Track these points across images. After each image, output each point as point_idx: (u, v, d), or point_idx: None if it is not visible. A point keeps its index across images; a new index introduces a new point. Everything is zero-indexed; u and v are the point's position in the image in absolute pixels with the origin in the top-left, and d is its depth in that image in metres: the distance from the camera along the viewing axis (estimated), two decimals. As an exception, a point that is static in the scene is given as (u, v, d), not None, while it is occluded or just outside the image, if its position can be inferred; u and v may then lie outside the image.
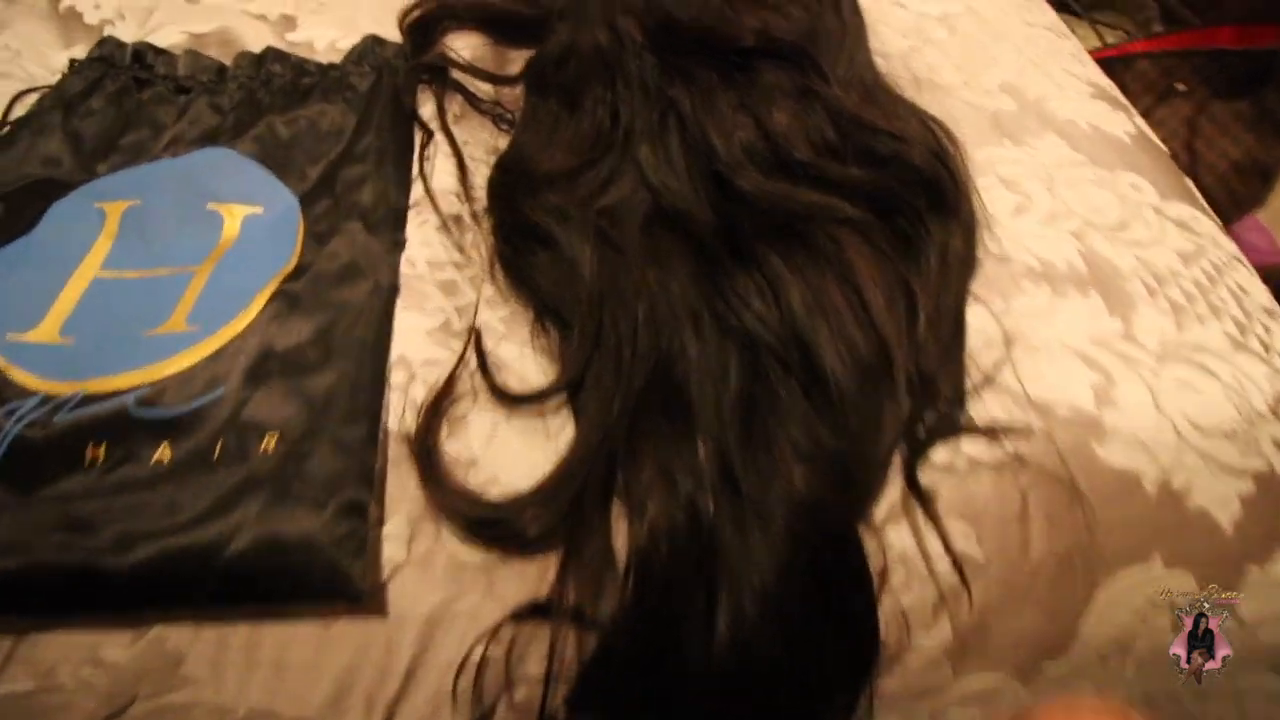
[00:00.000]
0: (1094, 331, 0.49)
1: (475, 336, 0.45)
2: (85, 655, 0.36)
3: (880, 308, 0.45)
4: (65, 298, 0.46)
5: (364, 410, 0.42)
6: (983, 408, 0.45)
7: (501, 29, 0.64)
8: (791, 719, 0.39)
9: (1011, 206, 0.56)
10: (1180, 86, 1.02)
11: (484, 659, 0.37)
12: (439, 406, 0.43)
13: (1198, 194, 0.63)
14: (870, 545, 0.41)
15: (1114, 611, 0.42)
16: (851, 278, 0.46)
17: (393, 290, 0.46)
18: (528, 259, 0.48)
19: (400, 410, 0.43)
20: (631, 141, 0.53)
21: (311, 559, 0.38)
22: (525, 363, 0.46)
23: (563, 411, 0.44)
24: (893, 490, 0.42)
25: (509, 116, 0.59)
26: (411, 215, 0.51)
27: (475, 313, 0.46)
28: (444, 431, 0.43)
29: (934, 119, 0.55)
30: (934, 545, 0.41)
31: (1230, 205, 0.98)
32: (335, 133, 0.55)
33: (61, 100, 0.56)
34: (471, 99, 0.59)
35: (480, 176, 0.54)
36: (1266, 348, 0.51)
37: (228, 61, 0.60)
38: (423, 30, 0.62)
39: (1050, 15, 0.81)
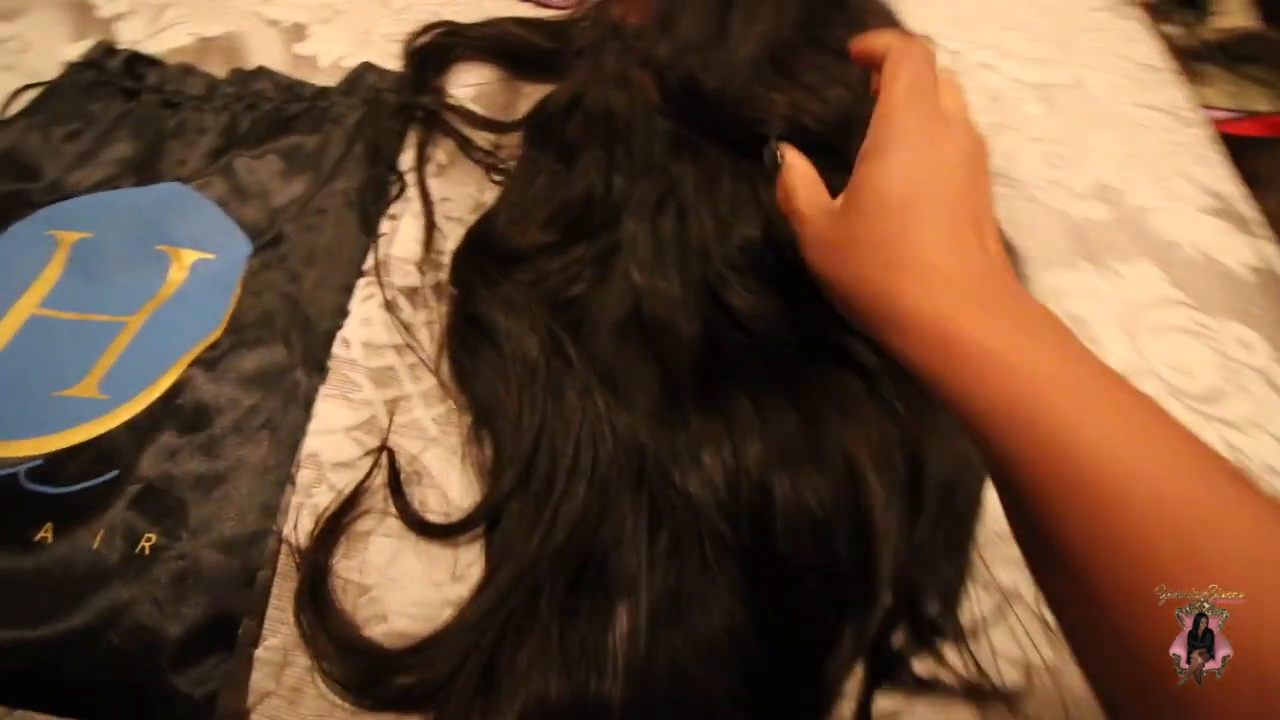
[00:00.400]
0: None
1: (389, 456, 0.40)
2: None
3: (871, 481, 0.37)
4: (-2, 334, 0.44)
5: (258, 514, 0.39)
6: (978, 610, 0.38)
7: (516, 62, 0.58)
8: None
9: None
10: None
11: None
12: (338, 523, 0.39)
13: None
14: None
15: None
16: (839, 435, 0.38)
17: (316, 379, 0.42)
18: (471, 354, 0.43)
19: (297, 518, 0.39)
20: (622, 221, 0.47)
21: (158, 680, 0.35)
22: (450, 476, 0.42)
23: (477, 545, 0.40)
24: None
25: (503, 166, 0.54)
26: (359, 284, 0.46)
27: (389, 424, 0.42)
28: (340, 550, 0.39)
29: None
30: None
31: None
32: (308, 170, 0.50)
33: (48, 106, 0.54)
34: (464, 144, 0.54)
35: (454, 240, 0.49)
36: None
37: (227, 69, 0.57)
38: (429, 59, 0.57)
39: (1177, 93, 0.67)
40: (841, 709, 0.36)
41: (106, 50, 0.56)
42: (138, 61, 0.56)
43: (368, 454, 0.40)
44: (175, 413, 0.40)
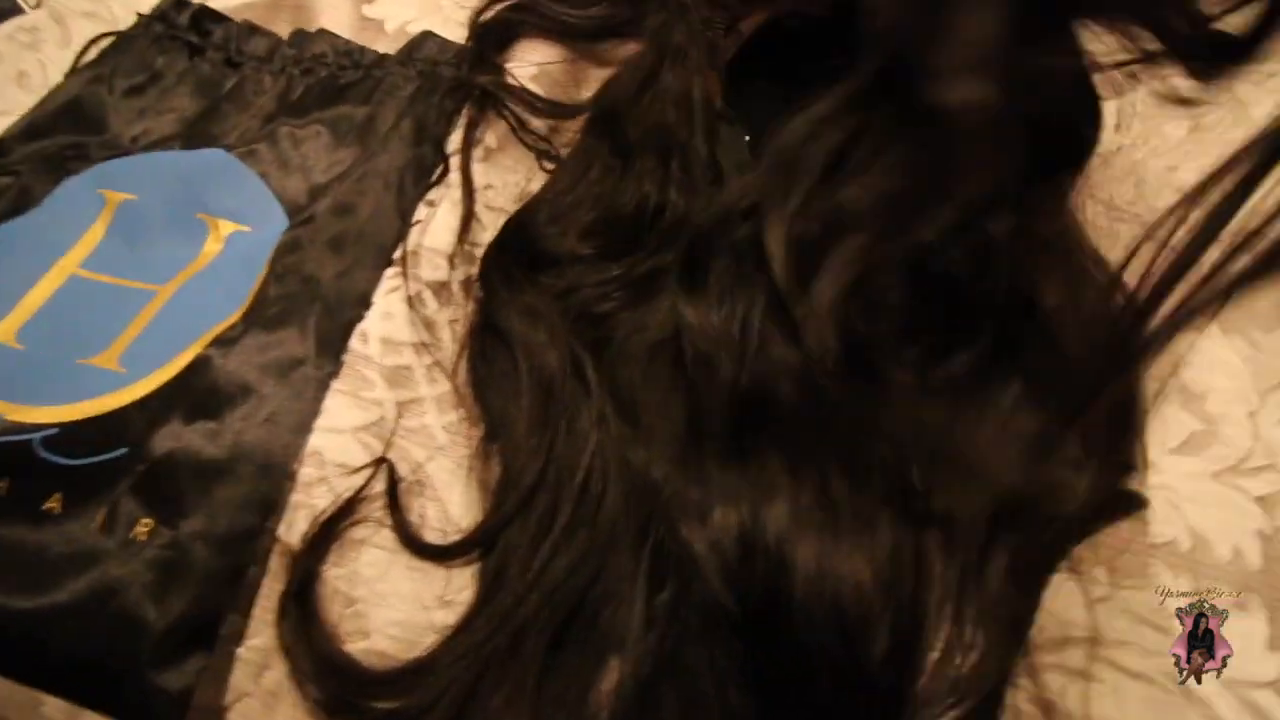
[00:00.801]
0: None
1: (389, 469, 0.38)
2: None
3: (933, 567, 0.33)
4: (37, 293, 0.44)
5: (256, 509, 0.38)
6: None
7: (584, 40, 0.54)
8: None
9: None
10: None
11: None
12: (333, 528, 0.38)
13: None
14: None
15: None
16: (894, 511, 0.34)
17: (330, 374, 0.41)
18: (489, 363, 0.40)
19: (294, 517, 0.38)
20: (674, 240, 0.42)
21: (137, 668, 0.34)
22: (453, 490, 0.39)
23: (472, 568, 0.38)
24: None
25: (556, 154, 0.50)
26: (387, 274, 0.44)
27: (390, 436, 0.40)
28: (331, 556, 0.37)
29: None
30: None
31: None
32: (353, 145, 0.49)
33: (115, 57, 0.54)
34: (517, 125, 0.51)
35: (492, 232, 0.46)
36: None
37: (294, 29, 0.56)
38: (493, 33, 0.53)
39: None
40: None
41: (176, 3, 0.56)
42: (205, 17, 0.55)
43: (369, 465, 0.39)
44: (187, 395, 0.40)
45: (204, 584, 0.36)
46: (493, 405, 0.40)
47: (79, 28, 0.57)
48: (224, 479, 0.38)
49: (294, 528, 0.38)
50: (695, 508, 0.35)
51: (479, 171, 0.48)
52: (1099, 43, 0.46)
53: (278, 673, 0.36)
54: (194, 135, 0.50)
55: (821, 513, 0.34)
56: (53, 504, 0.38)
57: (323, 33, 0.54)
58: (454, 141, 0.49)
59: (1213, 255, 0.43)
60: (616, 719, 0.32)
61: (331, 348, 0.41)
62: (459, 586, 0.37)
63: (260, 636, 0.37)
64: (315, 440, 0.40)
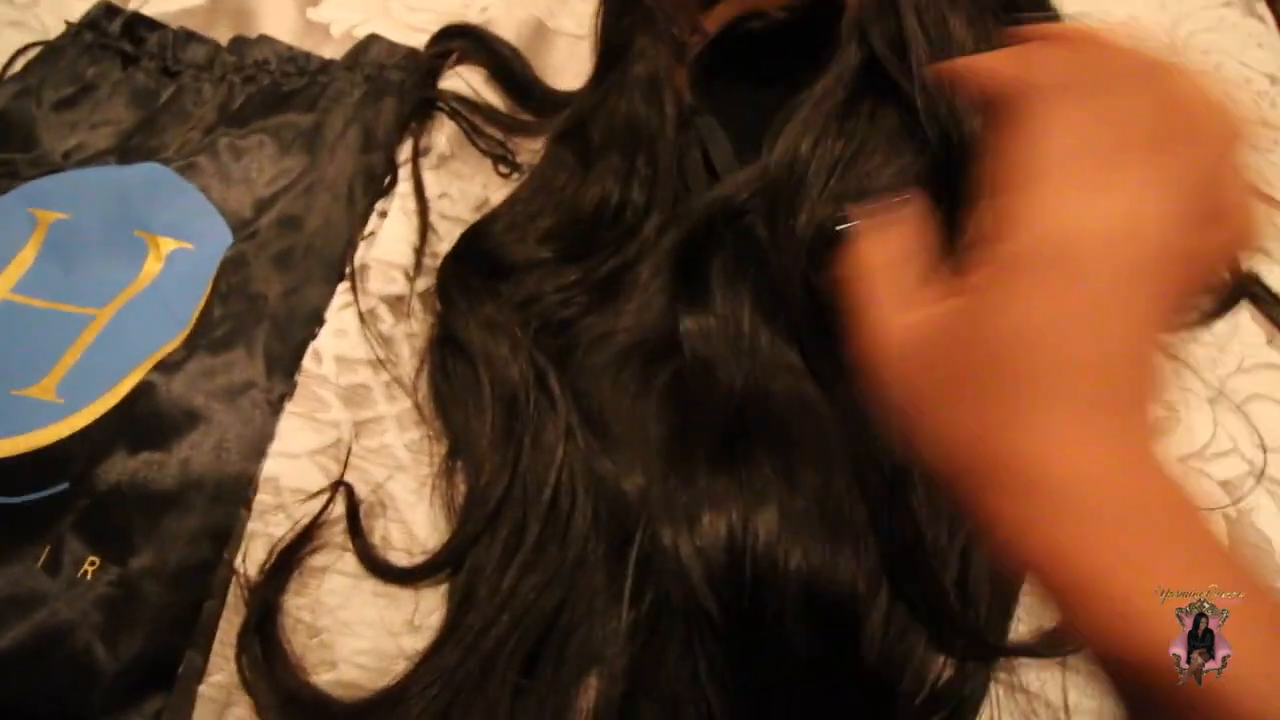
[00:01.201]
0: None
1: (347, 491, 0.37)
2: None
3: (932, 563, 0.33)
4: (-33, 321, 0.42)
5: (209, 541, 0.36)
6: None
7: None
8: None
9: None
10: None
11: None
12: (292, 557, 0.36)
13: None
14: None
15: None
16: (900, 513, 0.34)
17: (283, 396, 0.39)
18: (448, 378, 0.39)
19: (247, 547, 0.36)
20: (639, 244, 0.41)
21: (91, 714, 0.33)
22: (416, 510, 0.38)
23: (441, 590, 0.36)
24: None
25: (512, 158, 0.49)
26: (339, 290, 0.43)
27: (346, 458, 0.38)
28: (292, 585, 0.36)
29: None
30: None
31: None
32: (299, 154, 0.47)
33: (44, 69, 0.51)
34: (471, 131, 0.49)
35: (449, 243, 0.45)
36: None
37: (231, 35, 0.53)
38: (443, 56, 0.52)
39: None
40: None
41: (107, 10, 0.53)
42: (138, 24, 0.53)
43: (327, 489, 0.37)
44: (130, 424, 0.38)
45: (158, 621, 0.34)
46: (455, 421, 0.39)
47: (4, 38, 0.54)
48: (174, 510, 0.36)
49: (251, 558, 0.36)
50: (682, 513, 0.34)
51: (432, 180, 0.47)
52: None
53: (243, 709, 0.34)
54: (130, 149, 0.48)
55: (814, 516, 0.33)
56: (-10, 543, 0.36)
57: (264, 39, 0.52)
58: (404, 149, 0.48)
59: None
60: None
61: (283, 368, 0.40)
62: (428, 610, 0.36)
63: (221, 673, 0.35)
64: (270, 466, 0.38)
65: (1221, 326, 0.44)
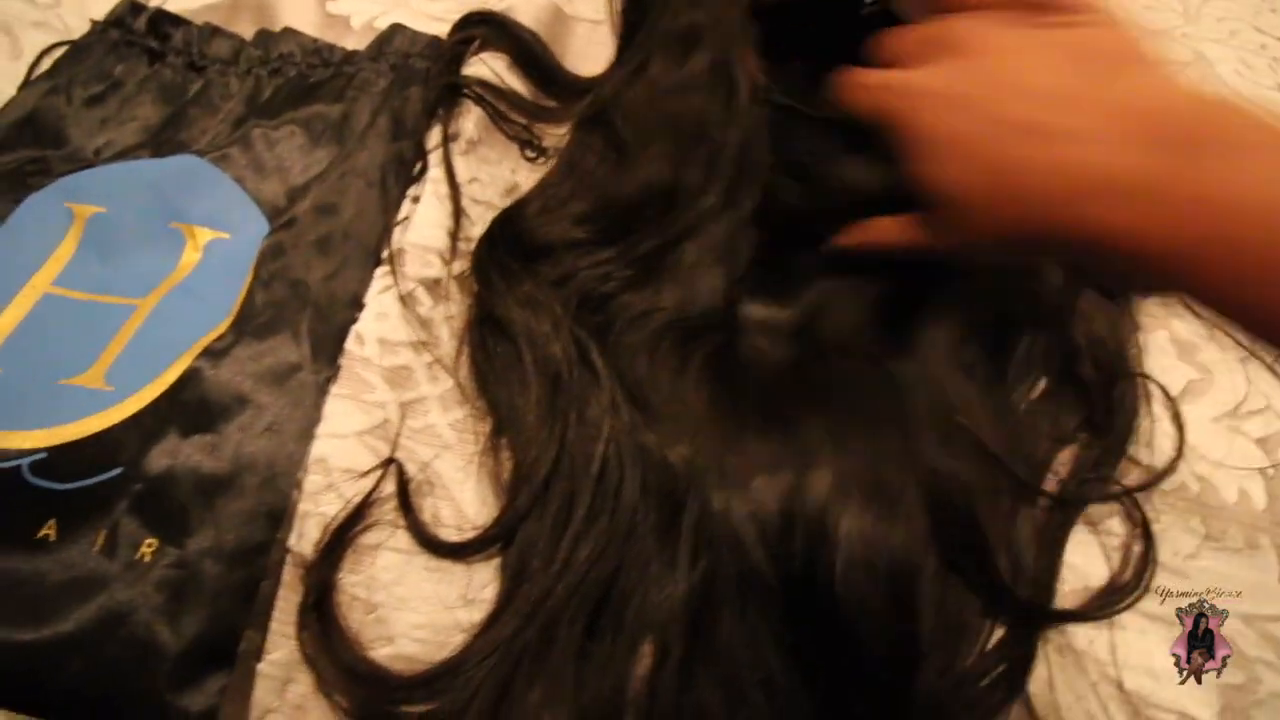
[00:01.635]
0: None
1: (398, 469, 0.38)
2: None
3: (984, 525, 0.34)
4: (10, 314, 0.42)
5: (263, 522, 0.37)
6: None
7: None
8: None
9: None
10: None
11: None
12: (345, 535, 0.37)
13: None
14: None
15: None
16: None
17: (328, 379, 0.40)
18: (490, 357, 0.40)
19: (303, 527, 0.37)
20: (683, 225, 0.41)
21: (155, 694, 0.33)
22: (465, 487, 0.39)
23: (493, 564, 0.37)
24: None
25: (538, 143, 0.50)
26: (377, 274, 0.43)
27: (395, 438, 0.39)
28: (346, 563, 0.37)
29: None
30: None
31: None
32: (330, 144, 0.47)
33: (71, 67, 0.52)
34: (497, 116, 0.50)
35: (482, 226, 0.45)
36: None
37: (257, 29, 0.54)
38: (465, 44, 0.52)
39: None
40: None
41: (132, 7, 0.53)
42: (163, 20, 0.53)
43: (376, 467, 0.38)
44: (180, 409, 0.38)
45: (217, 601, 0.35)
46: (499, 399, 0.39)
47: (29, 38, 0.55)
48: (227, 493, 0.37)
49: (305, 537, 0.37)
50: (733, 477, 0.34)
51: (461, 165, 0.47)
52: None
53: (303, 685, 0.35)
54: (161, 143, 0.48)
55: (865, 481, 0.34)
56: (47, 531, 0.36)
57: (288, 31, 0.52)
58: (433, 136, 0.48)
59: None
60: (655, 701, 0.32)
61: (327, 352, 0.40)
62: (481, 584, 0.37)
63: (280, 650, 0.36)
64: (319, 447, 0.39)
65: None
